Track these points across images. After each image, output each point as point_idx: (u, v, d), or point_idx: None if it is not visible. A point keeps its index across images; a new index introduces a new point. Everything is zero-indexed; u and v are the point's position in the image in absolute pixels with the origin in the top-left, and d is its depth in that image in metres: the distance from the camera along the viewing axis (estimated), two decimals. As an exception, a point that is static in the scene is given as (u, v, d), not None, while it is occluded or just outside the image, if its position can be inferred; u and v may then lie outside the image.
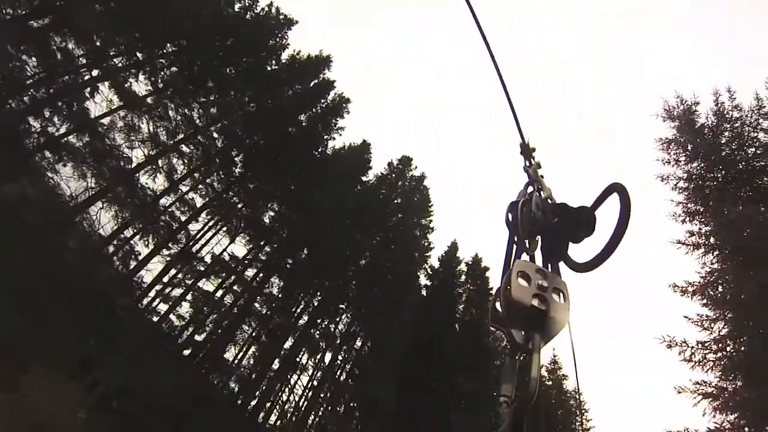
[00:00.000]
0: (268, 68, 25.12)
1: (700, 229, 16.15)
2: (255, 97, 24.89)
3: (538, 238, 1.35)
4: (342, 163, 29.31)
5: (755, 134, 15.84)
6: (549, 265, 1.25)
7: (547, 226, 1.34)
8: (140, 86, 19.68)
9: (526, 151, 1.65)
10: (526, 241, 1.36)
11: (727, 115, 16.54)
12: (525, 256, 1.29)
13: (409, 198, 32.77)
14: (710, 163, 16.25)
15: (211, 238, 24.07)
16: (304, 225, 25.07)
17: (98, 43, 17.39)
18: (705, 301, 14.86)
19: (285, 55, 26.48)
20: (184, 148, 22.40)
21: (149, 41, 19.05)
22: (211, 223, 23.96)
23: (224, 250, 24.16)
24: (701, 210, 16.22)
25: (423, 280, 31.64)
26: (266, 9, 25.25)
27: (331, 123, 28.99)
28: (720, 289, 14.81)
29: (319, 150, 28.86)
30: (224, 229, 24.45)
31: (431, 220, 32.97)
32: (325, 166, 28.07)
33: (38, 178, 16.57)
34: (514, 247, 1.37)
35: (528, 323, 1.04)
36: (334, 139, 29.79)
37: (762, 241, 12.98)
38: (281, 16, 26.09)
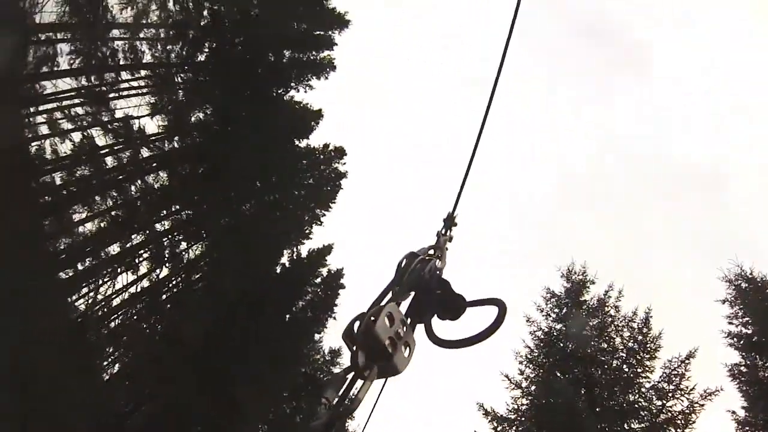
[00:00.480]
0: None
1: (529, 375, 17.84)
2: (262, 6, 23.58)
3: (413, 294, 1.51)
4: (288, 115, 28.50)
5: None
6: (410, 321, 1.39)
7: (426, 290, 1.49)
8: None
9: (450, 220, 1.81)
10: (404, 291, 1.50)
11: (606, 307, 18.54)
12: (393, 303, 1.38)
13: (321, 185, 32.82)
14: (569, 334, 17.94)
15: (132, 95, 21.86)
16: (219, 143, 23.93)
17: None
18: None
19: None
20: (170, 2, 20.38)
21: None
22: (142, 86, 21.83)
23: (137, 118, 22.07)
24: (540, 362, 18.03)
25: (285, 261, 31.54)
26: None
27: (307, 76, 28.06)
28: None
29: (279, 91, 28.02)
30: (151, 100, 22.39)
31: (325, 215, 33.14)
32: (274, 107, 27.23)
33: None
34: (390, 290, 1.48)
35: (374, 355, 1.17)
36: (299, 91, 29.03)
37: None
38: None
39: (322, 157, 33.18)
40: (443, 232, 1.78)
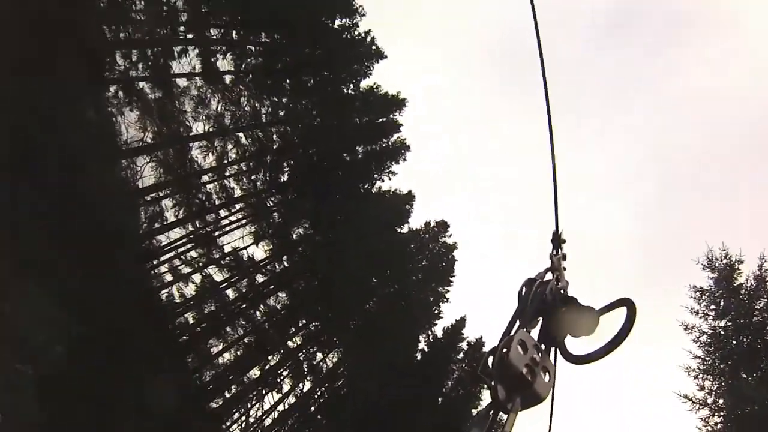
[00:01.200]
0: (345, 91, 25.93)
1: (711, 389, 15.48)
2: (323, 113, 25.48)
3: (540, 318, 1.46)
4: (382, 206, 28.92)
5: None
6: (544, 346, 1.32)
7: (552, 311, 1.45)
8: (224, 64, 20.47)
9: (557, 240, 1.75)
10: (530, 317, 1.43)
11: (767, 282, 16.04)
12: (523, 330, 1.32)
13: (435, 263, 31.74)
14: (738, 327, 15.66)
15: (234, 229, 23.66)
16: (326, 252, 24.50)
17: (203, 9, 18.42)
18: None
19: (364, 84, 27.38)
20: (242, 138, 22.71)
21: (248, 24, 20.04)
22: (241, 218, 23.66)
23: (245, 248, 23.57)
24: (719, 369, 15.54)
25: (423, 346, 29.82)
26: (363, 35, 26.28)
27: (386, 164, 29.22)
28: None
29: (365, 187, 28.85)
30: (251, 228, 24.00)
31: (448, 291, 31.66)
32: (366, 203, 27.94)
33: (105, 111, 16.86)
34: (517, 319, 1.43)
35: (513, 386, 1.13)
36: (383, 181, 29.86)
37: None
38: (373, 47, 26.73)
39: (427, 236, 32.52)
40: (554, 252, 1.74)
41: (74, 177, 13.37)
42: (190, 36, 19.15)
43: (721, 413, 14.81)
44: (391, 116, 29.41)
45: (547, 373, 1.21)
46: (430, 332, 28.58)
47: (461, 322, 29.45)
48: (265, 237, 24.54)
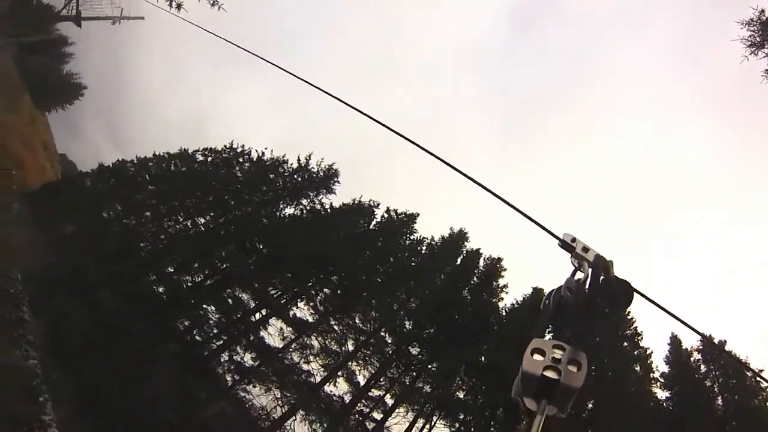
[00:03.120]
0: (413, 263, 28.21)
1: None
2: (411, 292, 27.31)
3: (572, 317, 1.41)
4: (520, 318, 27.08)
5: None
6: (573, 340, 1.29)
7: (576, 304, 1.39)
8: (303, 311, 24.50)
9: (566, 246, 1.66)
10: (544, 323, 1.44)
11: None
12: (534, 338, 1.29)
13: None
14: None
15: (411, 427, 23.17)
16: (496, 389, 22.76)
17: (257, 286, 23.75)
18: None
19: (424, 246, 29.69)
20: (359, 353, 24.76)
21: (298, 273, 24.83)
22: (408, 415, 23.46)
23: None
24: None
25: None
26: (386, 215, 29.71)
27: (493, 286, 28.71)
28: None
29: (491, 318, 27.99)
30: (420, 420, 23.41)
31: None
32: (502, 327, 26.72)
33: (233, 399, 20.49)
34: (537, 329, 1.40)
35: (539, 392, 1.11)
36: (502, 299, 28.91)
37: None
38: (402, 215, 30.03)
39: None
40: (571, 256, 1.62)
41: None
42: (264, 311, 24.26)
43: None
44: (463, 248, 30.89)
45: (575, 365, 1.15)
46: None
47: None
48: (434, 414, 23.60)
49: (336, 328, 25.14)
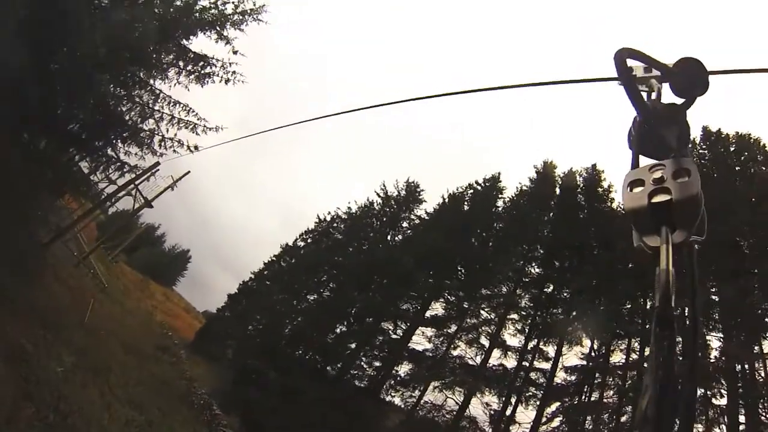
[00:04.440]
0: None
1: None
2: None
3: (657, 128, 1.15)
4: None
5: None
6: (673, 148, 1.08)
7: (659, 114, 1.16)
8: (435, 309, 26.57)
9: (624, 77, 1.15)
10: (652, 146, 1.14)
11: None
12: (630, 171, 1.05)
13: None
14: None
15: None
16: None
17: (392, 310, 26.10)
18: None
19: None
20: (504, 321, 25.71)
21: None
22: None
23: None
24: None
25: None
26: (477, 186, 31.65)
27: (600, 193, 28.73)
28: None
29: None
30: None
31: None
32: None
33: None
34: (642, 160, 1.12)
35: (656, 221, 0.92)
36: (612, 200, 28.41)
37: None
38: (488, 181, 31.54)
39: None
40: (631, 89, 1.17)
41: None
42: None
43: None
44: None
45: (687, 172, 0.95)
46: None
47: None
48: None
49: (467, 306, 26.55)
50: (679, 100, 1.19)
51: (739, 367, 19.22)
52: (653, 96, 1.24)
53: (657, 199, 0.94)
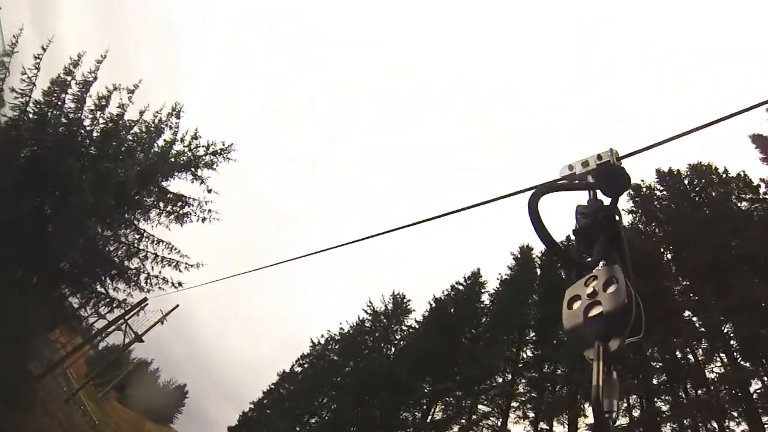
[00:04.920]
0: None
1: None
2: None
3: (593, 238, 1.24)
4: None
5: None
6: (599, 267, 1.15)
7: (589, 223, 1.26)
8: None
9: (568, 177, 1.39)
10: (585, 257, 1.23)
11: None
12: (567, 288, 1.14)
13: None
14: None
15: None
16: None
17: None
18: None
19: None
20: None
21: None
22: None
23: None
24: None
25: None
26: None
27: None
28: None
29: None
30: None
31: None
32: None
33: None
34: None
35: (593, 335, 0.99)
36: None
37: None
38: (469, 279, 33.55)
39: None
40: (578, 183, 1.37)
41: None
42: None
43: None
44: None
45: (610, 285, 1.02)
46: None
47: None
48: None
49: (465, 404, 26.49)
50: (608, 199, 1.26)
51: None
52: (588, 200, 1.31)
53: (592, 312, 1.01)
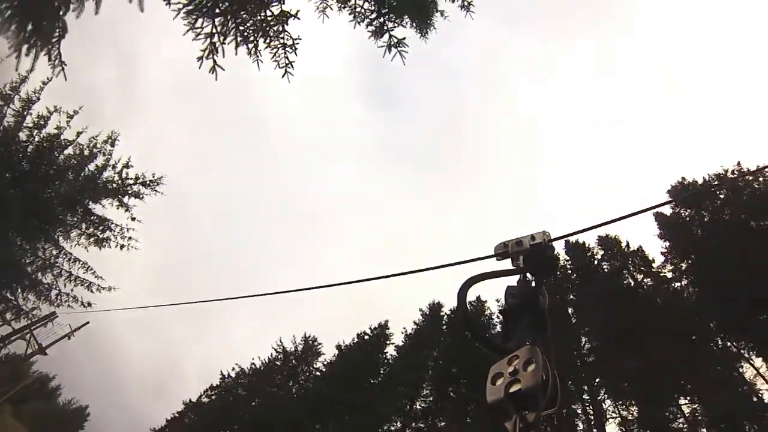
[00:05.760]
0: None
1: None
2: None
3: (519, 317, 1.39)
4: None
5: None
6: (528, 337, 1.32)
7: (516, 303, 1.39)
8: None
9: (502, 255, 1.51)
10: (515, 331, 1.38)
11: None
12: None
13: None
14: None
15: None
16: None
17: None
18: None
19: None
20: None
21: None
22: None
23: None
24: None
25: None
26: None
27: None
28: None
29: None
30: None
31: None
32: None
33: None
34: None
35: (512, 409, 1.12)
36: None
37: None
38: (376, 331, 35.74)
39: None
40: (512, 261, 1.49)
41: None
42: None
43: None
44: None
45: (529, 365, 1.16)
46: None
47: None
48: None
49: None
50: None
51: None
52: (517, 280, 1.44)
53: (512, 389, 1.14)
